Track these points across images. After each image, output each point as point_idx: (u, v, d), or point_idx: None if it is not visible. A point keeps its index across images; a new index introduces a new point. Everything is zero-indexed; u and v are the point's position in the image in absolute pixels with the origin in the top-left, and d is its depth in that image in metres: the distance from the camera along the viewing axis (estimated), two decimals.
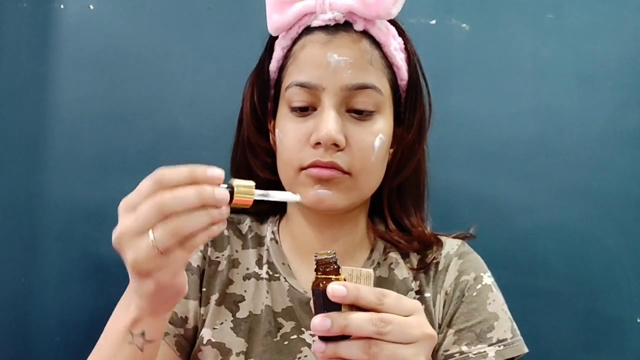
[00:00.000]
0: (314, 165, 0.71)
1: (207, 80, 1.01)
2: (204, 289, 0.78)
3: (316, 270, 0.54)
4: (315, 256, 0.54)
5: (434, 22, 1.04)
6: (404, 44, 0.79)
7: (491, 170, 1.02)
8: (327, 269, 0.54)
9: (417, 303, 0.56)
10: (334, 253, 0.54)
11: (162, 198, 0.50)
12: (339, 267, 0.54)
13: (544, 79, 1.03)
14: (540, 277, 1.00)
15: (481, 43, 1.04)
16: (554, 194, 1.01)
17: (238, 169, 0.85)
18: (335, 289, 0.51)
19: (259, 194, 0.56)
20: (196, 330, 0.77)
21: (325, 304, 0.52)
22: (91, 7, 1.02)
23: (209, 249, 0.80)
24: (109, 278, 0.96)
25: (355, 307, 0.53)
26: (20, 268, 0.98)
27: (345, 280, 0.54)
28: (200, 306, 0.78)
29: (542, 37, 1.03)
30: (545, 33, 1.03)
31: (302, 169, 0.73)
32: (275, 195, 0.58)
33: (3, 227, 0.98)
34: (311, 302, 0.54)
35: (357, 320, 0.51)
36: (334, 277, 0.53)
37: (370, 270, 0.55)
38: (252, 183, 0.55)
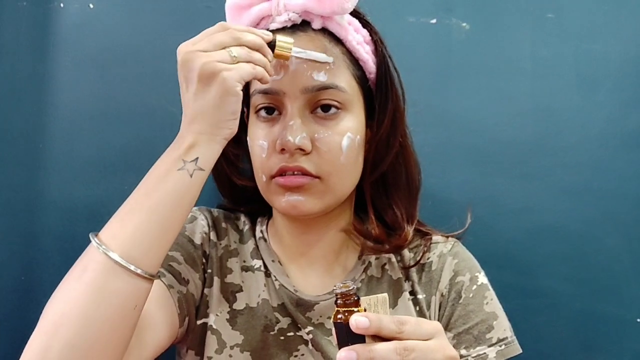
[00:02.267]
0: (281, 171, 0.71)
1: None
2: (209, 270, 0.78)
3: (336, 302, 0.55)
4: (334, 288, 0.55)
5: (434, 21, 1.04)
6: (370, 35, 0.77)
7: (490, 171, 1.02)
8: (347, 300, 0.54)
9: (437, 325, 0.57)
10: (354, 285, 0.55)
11: (235, 30, 0.65)
12: (358, 298, 0.55)
13: (544, 78, 1.03)
14: (540, 278, 1.00)
15: (481, 42, 1.04)
16: (553, 194, 1.01)
17: (220, 179, 0.85)
18: (358, 321, 0.52)
19: (296, 52, 0.69)
20: (194, 300, 0.76)
21: (348, 336, 0.53)
22: (91, 5, 1.02)
23: (211, 233, 0.81)
24: None
25: (378, 336, 0.53)
26: (20, 267, 0.98)
27: (365, 310, 0.55)
28: (204, 285, 0.78)
29: (542, 37, 1.03)
30: (545, 33, 1.03)
31: (272, 176, 0.73)
32: (311, 55, 0.70)
33: (2, 226, 0.98)
34: (333, 332, 0.55)
35: (382, 352, 0.52)
36: (355, 308, 0.54)
37: (385, 295, 0.56)
38: (291, 40, 0.69)
